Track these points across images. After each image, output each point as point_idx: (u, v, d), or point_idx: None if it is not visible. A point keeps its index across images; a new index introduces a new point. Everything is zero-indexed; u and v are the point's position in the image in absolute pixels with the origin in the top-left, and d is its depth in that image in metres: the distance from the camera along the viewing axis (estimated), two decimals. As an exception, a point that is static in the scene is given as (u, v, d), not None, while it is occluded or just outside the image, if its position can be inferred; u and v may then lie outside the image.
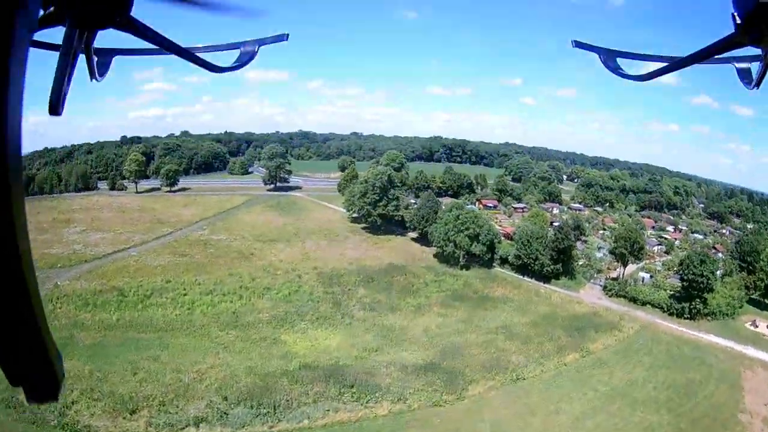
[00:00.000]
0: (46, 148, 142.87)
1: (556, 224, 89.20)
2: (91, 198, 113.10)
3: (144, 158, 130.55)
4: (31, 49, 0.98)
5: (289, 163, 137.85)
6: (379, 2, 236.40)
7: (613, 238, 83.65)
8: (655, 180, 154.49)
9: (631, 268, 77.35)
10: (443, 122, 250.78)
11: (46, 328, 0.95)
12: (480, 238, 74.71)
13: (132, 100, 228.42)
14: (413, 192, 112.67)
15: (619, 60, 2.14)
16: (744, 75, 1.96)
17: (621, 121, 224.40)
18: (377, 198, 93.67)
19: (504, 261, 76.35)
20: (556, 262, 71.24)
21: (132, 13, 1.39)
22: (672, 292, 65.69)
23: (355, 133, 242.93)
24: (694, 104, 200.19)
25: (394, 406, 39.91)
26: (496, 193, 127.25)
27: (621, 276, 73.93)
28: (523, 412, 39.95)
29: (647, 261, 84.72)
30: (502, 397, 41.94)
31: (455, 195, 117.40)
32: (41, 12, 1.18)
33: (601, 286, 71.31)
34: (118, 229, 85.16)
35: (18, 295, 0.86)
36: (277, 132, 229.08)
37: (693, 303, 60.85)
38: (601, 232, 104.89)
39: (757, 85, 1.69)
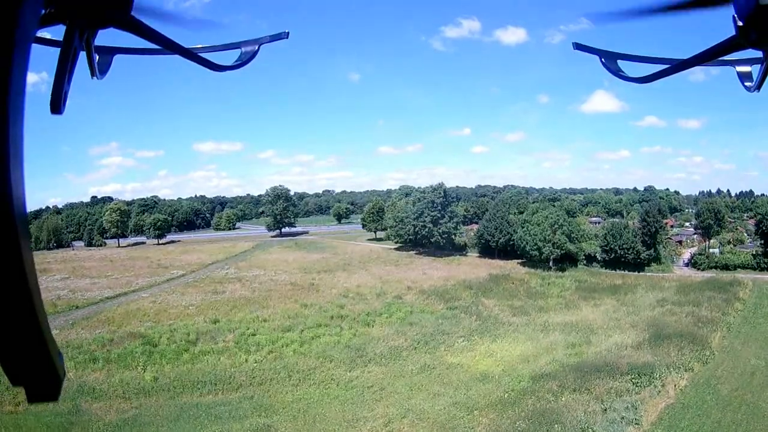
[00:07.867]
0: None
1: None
2: (67, 252, 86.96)
3: (127, 208, 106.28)
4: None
5: (295, 205, 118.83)
6: (323, 66, 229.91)
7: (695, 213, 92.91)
8: (651, 191, 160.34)
9: (686, 254, 78.11)
10: (396, 181, 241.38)
11: (46, 326, 0.90)
12: (573, 236, 69.63)
13: (91, 176, 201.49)
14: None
15: (620, 63, 2.02)
16: (745, 77, 1.88)
17: (572, 156, 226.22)
18: (438, 215, 78.42)
19: (590, 259, 72.27)
20: (648, 247, 69.32)
21: (133, 13, 1.30)
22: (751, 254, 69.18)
23: (327, 191, 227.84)
24: (641, 126, 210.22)
25: (678, 376, 30.77)
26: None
27: (706, 249, 75.97)
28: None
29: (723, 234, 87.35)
30: (740, 340, 38.19)
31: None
32: (42, 11, 1.13)
33: (684, 265, 71.88)
34: (111, 275, 60.98)
35: (18, 294, 0.82)
36: (248, 194, 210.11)
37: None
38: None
39: (758, 87, 1.63)
